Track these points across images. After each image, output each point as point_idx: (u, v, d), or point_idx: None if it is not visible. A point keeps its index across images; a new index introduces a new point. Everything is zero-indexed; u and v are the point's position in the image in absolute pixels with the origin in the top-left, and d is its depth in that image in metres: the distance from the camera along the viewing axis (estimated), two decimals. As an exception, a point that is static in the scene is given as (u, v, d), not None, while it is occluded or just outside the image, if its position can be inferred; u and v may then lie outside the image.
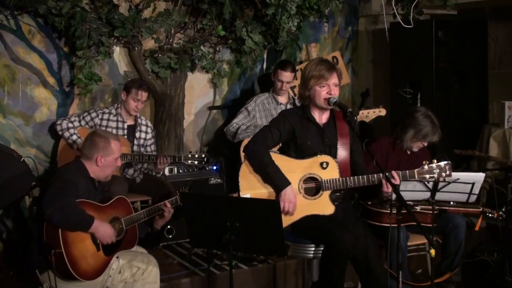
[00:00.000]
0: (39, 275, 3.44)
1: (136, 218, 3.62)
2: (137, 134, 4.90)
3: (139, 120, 4.94)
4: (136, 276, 3.56)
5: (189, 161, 4.67)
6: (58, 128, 4.79)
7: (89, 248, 3.41)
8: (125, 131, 4.85)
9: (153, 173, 4.83)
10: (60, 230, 3.28)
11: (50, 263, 3.28)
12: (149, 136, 4.97)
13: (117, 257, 3.53)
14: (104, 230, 3.42)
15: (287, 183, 3.51)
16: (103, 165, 3.57)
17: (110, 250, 3.50)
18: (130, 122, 4.91)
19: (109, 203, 3.57)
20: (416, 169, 3.51)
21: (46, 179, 4.99)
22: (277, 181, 3.51)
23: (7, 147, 4.77)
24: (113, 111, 4.88)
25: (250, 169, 3.60)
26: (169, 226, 4.84)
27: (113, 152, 3.59)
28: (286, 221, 3.47)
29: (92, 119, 4.84)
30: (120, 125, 4.85)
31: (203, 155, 4.68)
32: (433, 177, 3.50)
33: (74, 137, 4.74)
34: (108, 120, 4.84)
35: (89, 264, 3.38)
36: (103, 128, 4.78)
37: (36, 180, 4.59)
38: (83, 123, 4.84)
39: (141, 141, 4.91)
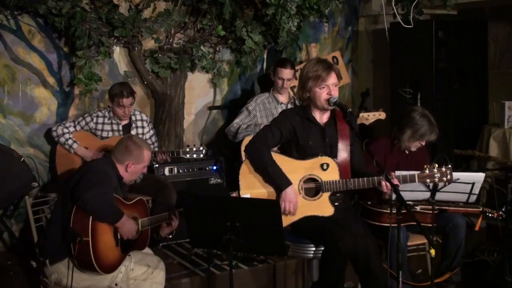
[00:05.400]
0: (48, 265, 3.44)
1: (151, 221, 3.68)
2: (134, 131, 4.89)
3: (133, 117, 4.93)
4: (146, 275, 3.60)
5: (188, 155, 4.67)
6: (54, 134, 4.79)
7: (110, 242, 3.44)
8: (121, 132, 4.85)
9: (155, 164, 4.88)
10: (90, 219, 3.32)
11: (72, 250, 3.30)
12: (146, 130, 4.96)
13: (129, 255, 3.58)
14: (129, 226, 3.48)
15: (288, 183, 3.50)
16: (132, 171, 3.66)
17: (126, 247, 3.54)
18: (125, 121, 4.90)
19: (131, 202, 3.64)
20: (417, 173, 3.48)
21: (47, 179, 5.03)
22: (278, 181, 3.50)
23: (7, 147, 4.77)
24: (107, 114, 4.87)
25: (251, 169, 3.59)
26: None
27: (143, 161, 3.69)
28: (286, 221, 3.47)
29: (87, 123, 4.84)
30: (115, 127, 4.86)
31: (201, 148, 4.69)
32: (433, 181, 3.49)
33: (70, 141, 4.73)
34: (103, 123, 4.84)
35: (108, 257, 3.42)
36: (99, 132, 4.82)
37: (36, 180, 4.58)
38: (78, 128, 4.83)
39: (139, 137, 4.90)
